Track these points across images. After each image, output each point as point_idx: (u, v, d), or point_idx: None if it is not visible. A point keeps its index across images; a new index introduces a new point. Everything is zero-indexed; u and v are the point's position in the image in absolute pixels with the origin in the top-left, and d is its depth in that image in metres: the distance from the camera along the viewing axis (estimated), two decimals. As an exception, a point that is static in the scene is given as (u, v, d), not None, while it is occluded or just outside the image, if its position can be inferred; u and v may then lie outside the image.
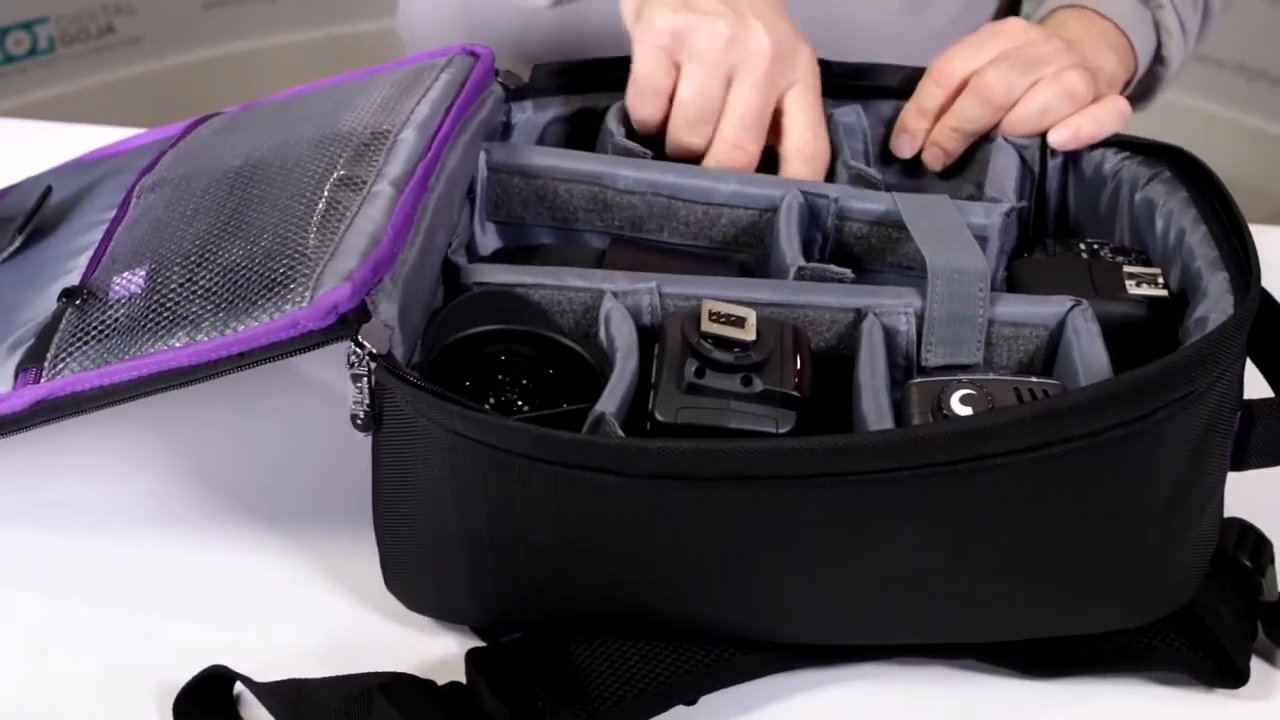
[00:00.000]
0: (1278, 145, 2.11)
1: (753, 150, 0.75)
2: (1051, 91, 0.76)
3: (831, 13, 0.97)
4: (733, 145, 0.75)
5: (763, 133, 0.75)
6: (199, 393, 0.60)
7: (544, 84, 0.81)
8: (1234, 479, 0.61)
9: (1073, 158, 0.78)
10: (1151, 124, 0.78)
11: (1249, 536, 0.64)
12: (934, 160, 0.80)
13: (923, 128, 0.80)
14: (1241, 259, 0.64)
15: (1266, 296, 0.65)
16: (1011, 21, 0.80)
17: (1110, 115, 0.76)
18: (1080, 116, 0.76)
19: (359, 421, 0.58)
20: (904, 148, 0.81)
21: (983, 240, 0.72)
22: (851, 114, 0.81)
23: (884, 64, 0.82)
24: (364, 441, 0.60)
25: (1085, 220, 0.79)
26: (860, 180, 0.76)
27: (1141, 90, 0.93)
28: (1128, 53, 0.87)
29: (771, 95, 0.75)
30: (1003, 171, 0.76)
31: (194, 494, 0.71)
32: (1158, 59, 0.91)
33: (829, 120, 0.80)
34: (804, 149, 0.76)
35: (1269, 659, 0.63)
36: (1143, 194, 0.73)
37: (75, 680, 0.61)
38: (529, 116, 0.80)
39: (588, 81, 0.81)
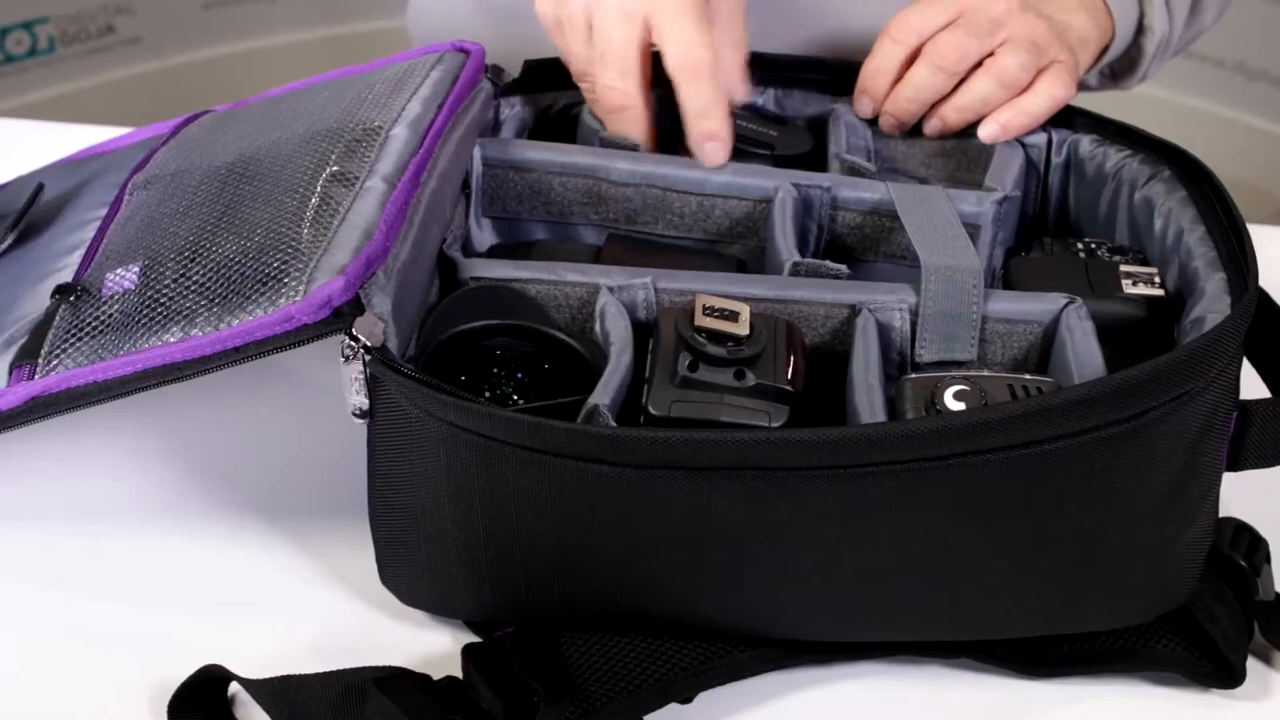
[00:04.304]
0: (1278, 145, 2.11)
1: (624, 88, 0.74)
2: (987, 80, 0.76)
3: (833, 11, 0.96)
4: (605, 88, 0.74)
5: (633, 68, 0.74)
6: (195, 388, 0.60)
7: (533, 79, 0.81)
8: (1229, 477, 0.61)
9: (1074, 156, 0.78)
10: (1152, 124, 0.78)
11: (1244, 536, 0.64)
12: (889, 128, 0.80)
13: (882, 87, 0.79)
14: (1239, 260, 0.63)
15: (1264, 297, 0.64)
16: None
17: (1040, 103, 0.76)
18: (1007, 110, 0.77)
19: (357, 414, 0.58)
20: (864, 109, 0.80)
21: (975, 229, 0.72)
22: (854, 111, 0.81)
23: None
24: (359, 436, 0.60)
25: (1085, 219, 0.78)
26: (853, 172, 0.76)
27: (1126, 64, 0.91)
28: (1102, 13, 0.85)
29: (632, 28, 0.73)
30: (1004, 165, 0.76)
31: (189, 490, 0.71)
32: (1141, 30, 0.89)
33: (832, 116, 0.80)
34: (682, 61, 0.72)
35: (1265, 659, 0.63)
36: (1142, 193, 0.73)
37: (71, 678, 0.61)
38: (517, 112, 0.80)
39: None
